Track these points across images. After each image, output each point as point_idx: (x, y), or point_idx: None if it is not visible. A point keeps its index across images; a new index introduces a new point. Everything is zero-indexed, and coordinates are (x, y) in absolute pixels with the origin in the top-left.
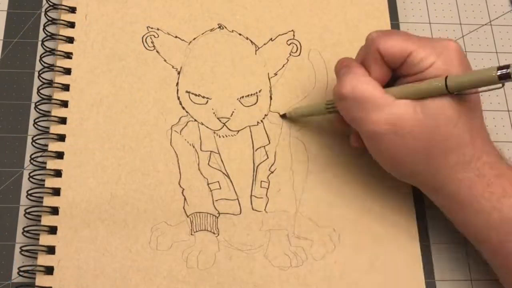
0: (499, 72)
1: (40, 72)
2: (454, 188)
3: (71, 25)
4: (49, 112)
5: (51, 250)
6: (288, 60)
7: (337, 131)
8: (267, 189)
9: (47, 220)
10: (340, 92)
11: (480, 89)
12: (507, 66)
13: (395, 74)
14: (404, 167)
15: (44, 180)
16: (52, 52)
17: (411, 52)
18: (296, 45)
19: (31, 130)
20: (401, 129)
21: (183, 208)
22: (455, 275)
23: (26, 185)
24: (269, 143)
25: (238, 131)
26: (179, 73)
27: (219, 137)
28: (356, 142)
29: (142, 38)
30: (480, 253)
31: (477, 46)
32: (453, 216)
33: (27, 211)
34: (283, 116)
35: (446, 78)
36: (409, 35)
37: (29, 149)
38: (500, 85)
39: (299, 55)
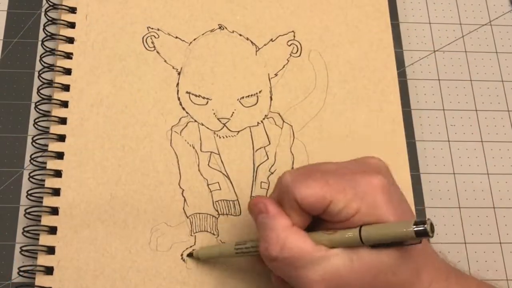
0: (415, 228)
1: (40, 72)
2: None
3: (71, 25)
4: (49, 112)
5: (51, 250)
6: (288, 60)
7: None
8: (267, 190)
9: (47, 220)
10: (268, 255)
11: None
12: (423, 222)
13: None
14: None
15: (44, 180)
16: (52, 52)
17: (331, 202)
18: (297, 46)
19: (31, 130)
20: (338, 283)
21: (183, 209)
22: None
23: (26, 185)
24: (269, 143)
25: (238, 131)
26: (179, 73)
27: (219, 137)
28: (277, 282)
29: (143, 38)
30: None
31: (477, 46)
32: None
33: (27, 211)
34: (190, 255)
35: (360, 228)
36: (326, 176)
37: (29, 149)
38: (418, 241)
39: (299, 55)
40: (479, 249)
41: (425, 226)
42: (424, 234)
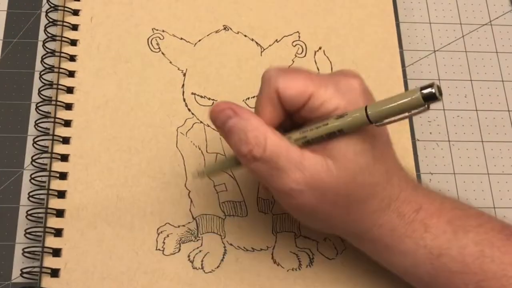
0: (424, 92)
1: (42, 73)
2: (377, 234)
3: (74, 27)
4: (49, 113)
5: (56, 252)
6: (293, 61)
7: None
8: None
9: (53, 222)
10: (253, 155)
11: (402, 115)
12: (430, 86)
13: (292, 118)
14: (324, 221)
15: (44, 182)
16: (53, 53)
17: (312, 94)
18: (302, 47)
19: (31, 131)
20: (317, 185)
21: (189, 210)
22: None
23: (26, 185)
24: None
25: None
26: (184, 75)
27: None
28: (266, 194)
29: (148, 40)
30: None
31: (477, 46)
32: (379, 258)
33: (29, 212)
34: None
35: (366, 108)
36: (309, 73)
37: (29, 150)
38: (426, 106)
39: (304, 56)
40: None
41: (432, 89)
42: (432, 97)
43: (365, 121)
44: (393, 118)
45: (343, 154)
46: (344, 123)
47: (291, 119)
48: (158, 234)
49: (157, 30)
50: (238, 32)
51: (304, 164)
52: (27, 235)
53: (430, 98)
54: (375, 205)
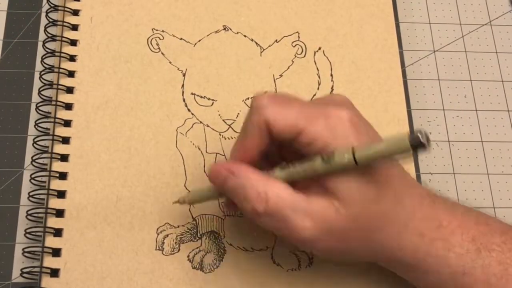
0: (411, 140)
1: (42, 73)
2: (400, 256)
3: (74, 27)
4: (49, 113)
5: (56, 252)
6: (293, 61)
7: None
8: None
9: (53, 222)
10: (255, 212)
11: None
12: (418, 132)
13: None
14: (349, 254)
15: (44, 182)
16: (53, 53)
17: (302, 130)
18: (301, 47)
19: (31, 131)
20: (329, 230)
21: (189, 210)
22: None
23: (26, 185)
24: None
25: None
26: (184, 75)
27: (225, 139)
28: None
29: (148, 40)
30: None
31: (477, 46)
32: (403, 276)
33: (29, 212)
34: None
35: (353, 150)
36: (301, 105)
37: (29, 149)
38: (414, 154)
39: (304, 56)
40: None
41: (420, 136)
42: (420, 145)
43: (352, 164)
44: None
45: (346, 192)
46: (331, 168)
47: (275, 143)
48: (158, 234)
49: (157, 30)
50: (238, 32)
51: (312, 210)
52: (27, 235)
53: (418, 146)
54: (392, 231)
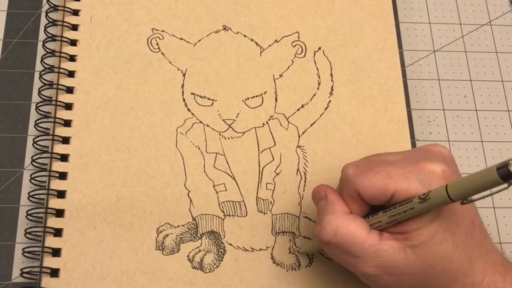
0: (499, 171)
1: (42, 73)
2: None
3: (74, 27)
4: (49, 113)
5: (56, 252)
6: (293, 61)
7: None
8: (273, 191)
9: (53, 222)
10: (321, 238)
11: (484, 193)
12: (505, 164)
13: None
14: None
15: (44, 182)
16: (53, 53)
17: (394, 193)
18: (301, 47)
19: (31, 131)
20: (393, 271)
21: (189, 210)
22: None
23: (26, 185)
24: (275, 144)
25: (244, 132)
26: (184, 75)
27: (225, 138)
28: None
29: (147, 40)
30: None
31: (477, 46)
32: None
33: (29, 212)
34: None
35: (446, 186)
36: (388, 168)
37: (29, 150)
38: (506, 185)
39: (304, 56)
40: None
41: (509, 167)
42: (509, 175)
43: (447, 200)
44: (476, 197)
45: (423, 242)
46: (428, 206)
47: None
48: (158, 234)
49: (156, 30)
50: (237, 32)
51: (382, 250)
52: (27, 235)
53: (507, 177)
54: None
